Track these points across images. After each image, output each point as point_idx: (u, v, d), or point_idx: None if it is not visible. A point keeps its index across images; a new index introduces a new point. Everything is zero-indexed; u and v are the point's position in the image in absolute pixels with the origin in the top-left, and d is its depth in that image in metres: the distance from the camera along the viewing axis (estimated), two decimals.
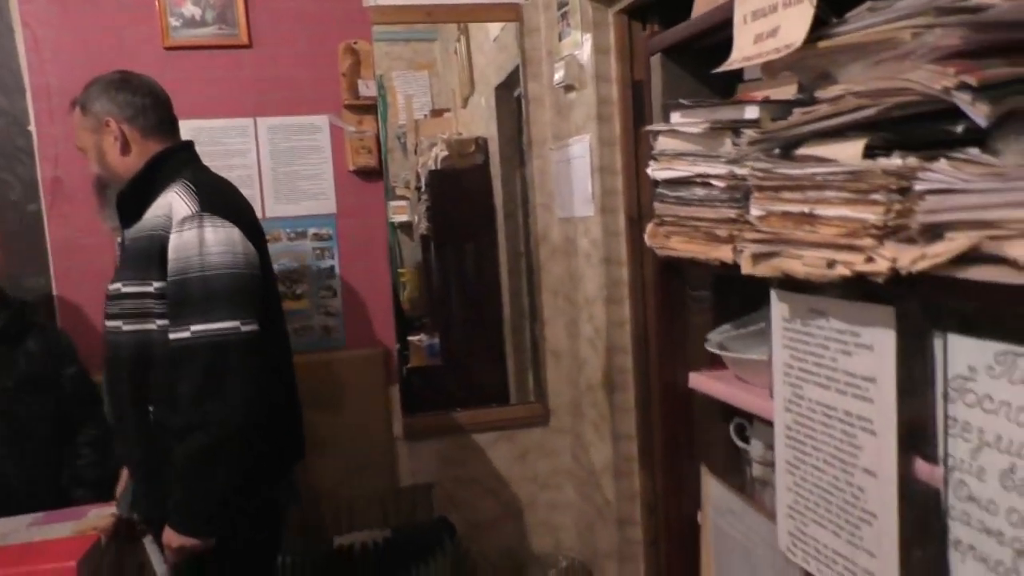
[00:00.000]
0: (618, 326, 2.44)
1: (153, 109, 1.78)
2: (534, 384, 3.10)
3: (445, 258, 3.79)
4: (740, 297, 1.51)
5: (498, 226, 3.59)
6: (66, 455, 2.12)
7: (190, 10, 2.44)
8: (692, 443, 1.47)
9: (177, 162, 1.78)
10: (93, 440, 2.13)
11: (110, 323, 1.75)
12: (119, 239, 1.87)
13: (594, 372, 2.58)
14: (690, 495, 1.50)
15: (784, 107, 1.12)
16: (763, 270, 1.07)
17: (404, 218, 4.55)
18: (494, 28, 3.34)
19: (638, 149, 2.41)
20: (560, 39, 2.59)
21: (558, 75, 2.56)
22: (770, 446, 1.37)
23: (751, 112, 1.14)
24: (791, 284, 1.12)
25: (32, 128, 2.37)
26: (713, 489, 1.39)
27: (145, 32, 2.42)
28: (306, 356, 2.40)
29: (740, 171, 1.12)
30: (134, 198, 1.75)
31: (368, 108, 2.59)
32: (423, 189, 4.09)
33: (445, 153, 3.70)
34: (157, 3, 2.42)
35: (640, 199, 2.41)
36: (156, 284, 1.67)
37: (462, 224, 3.69)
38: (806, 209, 0.99)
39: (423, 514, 2.69)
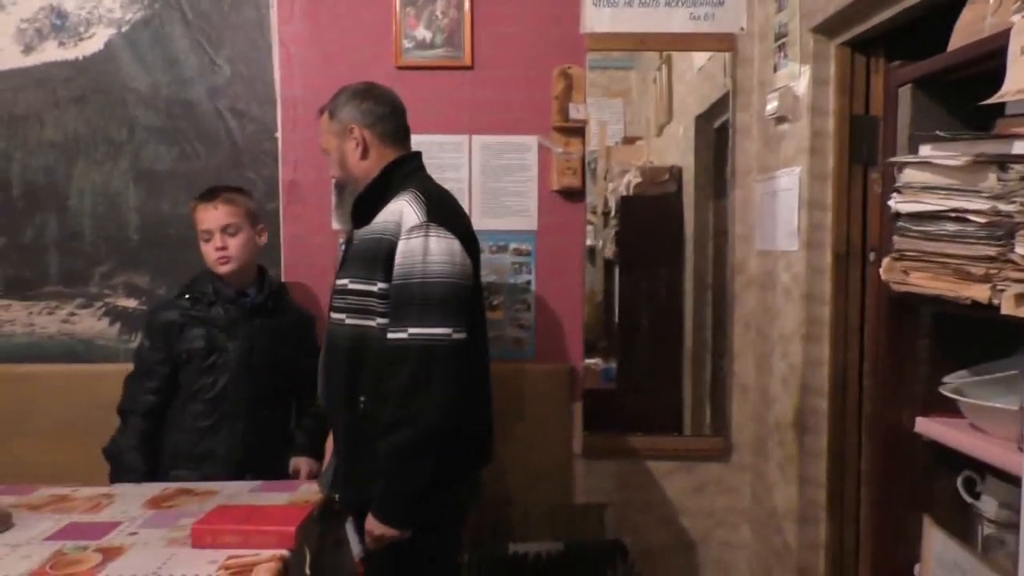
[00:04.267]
0: (815, 366, 2.35)
1: (391, 118, 1.93)
2: (712, 418, 3.04)
3: (629, 284, 3.79)
4: (964, 342, 1.43)
5: (686, 256, 3.55)
6: (292, 420, 2.34)
7: (422, 33, 2.63)
8: (913, 492, 1.39)
9: (408, 171, 1.91)
10: (316, 412, 2.29)
11: (334, 315, 1.90)
12: (343, 239, 2.02)
13: (784, 411, 2.49)
14: (904, 547, 1.42)
15: None
16: None
17: (588, 243, 4.60)
18: (699, 58, 3.33)
19: (851, 184, 2.33)
20: (775, 70, 2.55)
21: (771, 106, 2.52)
22: (1005, 504, 1.28)
23: (1020, 147, 1.08)
24: None
25: (278, 135, 2.65)
26: (938, 542, 1.31)
27: (381, 52, 2.64)
28: (495, 365, 2.45)
29: (1006, 207, 1.07)
30: (369, 202, 1.89)
31: (576, 131, 2.66)
32: (611, 214, 4.12)
33: (638, 180, 3.72)
34: (394, 27, 2.63)
35: (850, 236, 2.32)
36: (380, 284, 1.80)
37: (650, 251, 3.68)
38: None
39: (595, 533, 2.70)
